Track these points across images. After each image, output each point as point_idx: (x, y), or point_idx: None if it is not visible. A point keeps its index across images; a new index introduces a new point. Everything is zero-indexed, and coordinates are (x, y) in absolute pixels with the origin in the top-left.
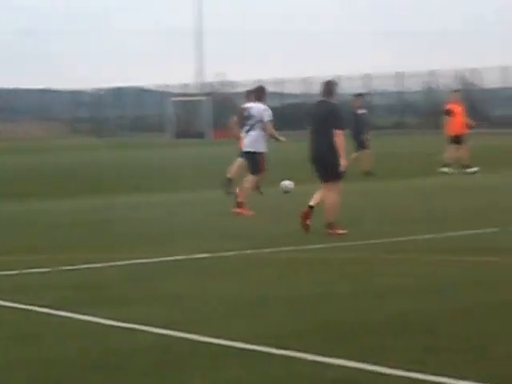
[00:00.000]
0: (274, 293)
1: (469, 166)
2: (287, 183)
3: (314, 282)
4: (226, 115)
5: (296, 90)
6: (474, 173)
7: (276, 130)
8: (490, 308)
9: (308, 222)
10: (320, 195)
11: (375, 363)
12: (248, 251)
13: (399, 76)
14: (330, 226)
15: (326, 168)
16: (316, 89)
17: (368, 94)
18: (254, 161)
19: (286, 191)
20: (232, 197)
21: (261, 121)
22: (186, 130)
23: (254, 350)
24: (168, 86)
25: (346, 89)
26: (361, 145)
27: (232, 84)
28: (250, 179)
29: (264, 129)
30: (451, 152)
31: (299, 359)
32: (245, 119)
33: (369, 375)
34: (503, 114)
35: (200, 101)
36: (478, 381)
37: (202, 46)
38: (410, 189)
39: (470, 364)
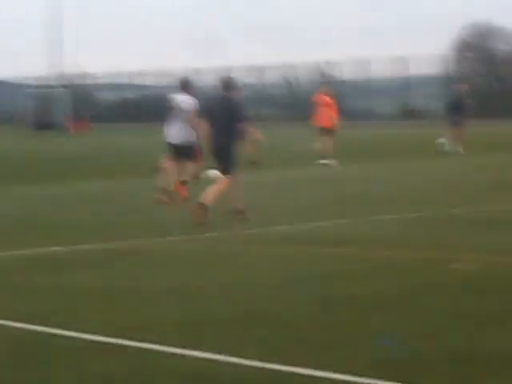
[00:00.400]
0: (133, 286)
1: (328, 157)
2: (213, 172)
3: (171, 275)
4: (84, 107)
5: (155, 81)
6: (329, 165)
7: (136, 121)
8: (342, 300)
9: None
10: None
11: (232, 355)
12: (107, 244)
13: (259, 69)
14: (202, 206)
15: (227, 160)
16: (173, 81)
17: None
18: (187, 152)
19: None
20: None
21: (185, 112)
22: (43, 122)
23: (113, 343)
24: (26, 77)
25: (208, 81)
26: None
27: (90, 76)
28: (188, 169)
29: (188, 120)
30: (326, 143)
31: (158, 352)
32: (170, 110)
33: (226, 366)
34: (359, 106)
35: (57, 92)
36: (334, 371)
37: (61, 37)
38: (270, 180)
39: (325, 354)
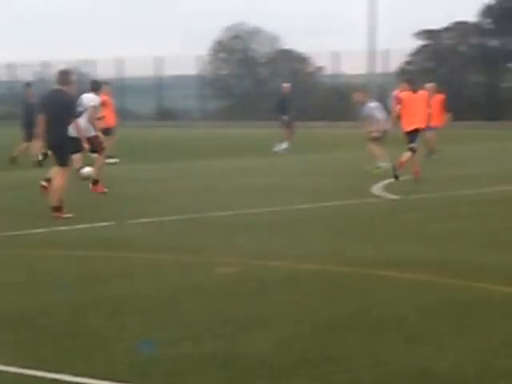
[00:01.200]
0: None
1: (111, 156)
2: (87, 169)
3: None
4: None
5: None
6: (114, 163)
7: None
8: (99, 303)
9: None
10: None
11: None
12: None
13: (11, 66)
14: (56, 209)
15: (60, 154)
16: None
17: None
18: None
19: (85, 178)
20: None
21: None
22: None
23: None
24: None
25: None
26: (31, 135)
27: None
28: (99, 160)
29: (88, 115)
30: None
31: None
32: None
33: None
34: (115, 106)
35: None
36: (92, 376)
37: None
38: (26, 180)
39: (83, 360)
